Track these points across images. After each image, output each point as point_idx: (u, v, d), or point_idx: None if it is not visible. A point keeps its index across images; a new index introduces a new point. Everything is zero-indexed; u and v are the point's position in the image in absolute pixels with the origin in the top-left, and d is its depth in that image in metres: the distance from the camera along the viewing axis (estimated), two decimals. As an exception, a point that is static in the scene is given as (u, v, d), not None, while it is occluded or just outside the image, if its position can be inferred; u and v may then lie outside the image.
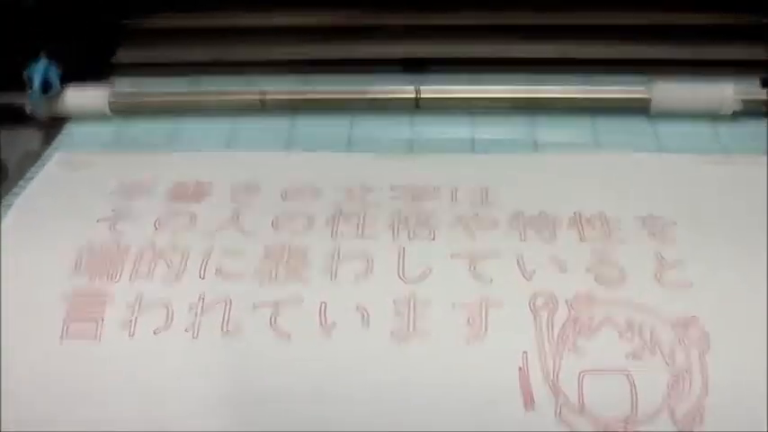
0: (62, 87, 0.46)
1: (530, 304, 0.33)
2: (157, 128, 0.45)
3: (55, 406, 0.32)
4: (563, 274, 0.34)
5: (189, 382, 0.32)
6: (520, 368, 0.31)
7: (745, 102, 0.43)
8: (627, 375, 0.31)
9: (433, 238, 0.36)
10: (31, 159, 0.44)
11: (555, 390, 0.31)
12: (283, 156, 0.43)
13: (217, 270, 0.35)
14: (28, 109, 0.45)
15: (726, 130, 0.43)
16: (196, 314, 0.33)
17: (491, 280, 0.34)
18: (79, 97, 0.46)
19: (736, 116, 0.43)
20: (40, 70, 0.44)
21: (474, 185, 0.39)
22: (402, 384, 0.32)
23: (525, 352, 0.32)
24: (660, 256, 0.34)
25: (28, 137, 0.47)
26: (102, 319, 0.34)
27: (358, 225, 0.36)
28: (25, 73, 0.44)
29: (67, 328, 0.33)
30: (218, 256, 0.35)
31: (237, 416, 0.32)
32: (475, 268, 0.34)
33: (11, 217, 0.38)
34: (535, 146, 0.43)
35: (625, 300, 0.33)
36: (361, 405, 0.31)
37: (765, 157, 0.41)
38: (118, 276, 0.35)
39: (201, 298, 0.34)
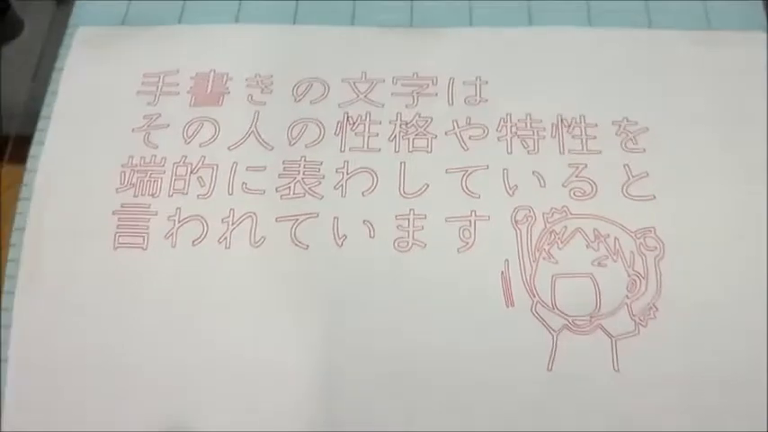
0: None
1: (511, 218, 0.38)
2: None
3: (111, 308, 0.38)
4: (542, 189, 0.39)
5: (222, 287, 0.38)
6: (502, 273, 0.37)
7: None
8: (592, 279, 0.37)
9: (430, 151, 0.40)
10: (46, 17, 0.47)
11: (531, 291, 0.37)
12: (290, 31, 0.45)
13: (242, 185, 0.40)
14: None
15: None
16: (227, 227, 0.39)
17: (479, 196, 0.39)
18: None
19: None
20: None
21: (469, 76, 0.43)
22: (404, 288, 0.37)
23: (507, 259, 0.38)
24: (629, 168, 0.39)
25: (40, 6, 0.49)
26: (148, 231, 0.39)
27: (363, 136, 0.41)
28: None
29: (119, 238, 0.39)
30: (243, 172, 0.40)
31: (264, 315, 0.38)
32: (466, 183, 0.39)
33: (54, 125, 0.42)
34: (529, 15, 0.45)
35: (594, 213, 0.38)
36: (369, 307, 0.37)
37: (763, 35, 0.44)
38: (158, 191, 0.40)
39: (231, 211, 0.39)
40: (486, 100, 0.42)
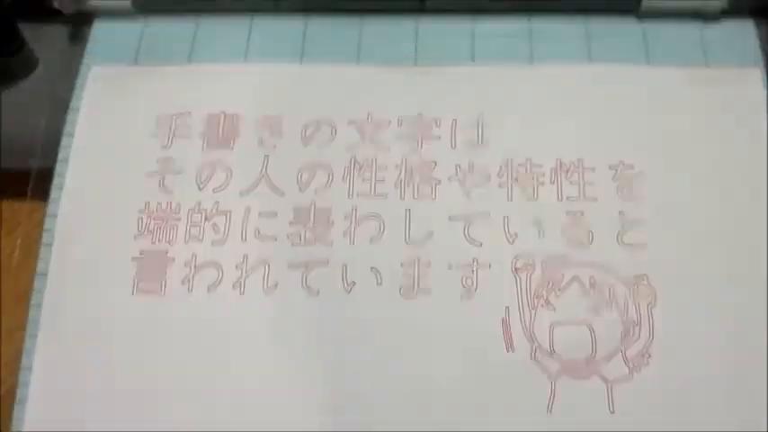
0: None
1: (512, 265, 0.40)
2: (178, 27, 0.48)
3: (130, 353, 0.40)
4: (541, 237, 0.41)
5: (237, 332, 0.40)
6: (503, 319, 0.39)
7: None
8: (588, 326, 0.39)
9: (434, 198, 0.42)
10: (61, 54, 0.48)
11: (530, 337, 0.39)
12: (298, 70, 0.47)
13: (255, 231, 0.42)
14: (55, 3, 0.47)
15: (712, 32, 0.46)
16: (241, 273, 0.41)
17: (481, 244, 0.41)
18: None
19: (723, 15, 0.46)
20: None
21: (472, 118, 0.44)
22: (409, 333, 0.39)
23: (507, 306, 0.39)
24: (623, 215, 0.41)
25: (55, 32, 0.49)
26: (166, 278, 0.41)
27: (370, 182, 0.43)
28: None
29: (137, 284, 0.41)
30: (255, 218, 0.42)
31: (276, 359, 0.39)
32: (468, 231, 0.41)
33: (72, 170, 0.44)
34: (531, 50, 0.47)
35: (590, 261, 0.40)
36: (376, 352, 0.39)
37: (758, 71, 0.45)
38: (174, 238, 0.42)
39: (245, 257, 0.41)
40: (488, 143, 0.43)
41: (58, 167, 0.43)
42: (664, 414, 0.38)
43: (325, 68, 0.46)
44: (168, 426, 0.39)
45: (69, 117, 0.45)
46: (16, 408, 0.39)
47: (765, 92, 0.44)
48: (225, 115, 0.45)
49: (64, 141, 0.44)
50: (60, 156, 0.44)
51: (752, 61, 0.45)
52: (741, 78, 0.45)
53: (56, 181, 0.43)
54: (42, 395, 0.39)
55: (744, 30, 0.46)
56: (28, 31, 0.48)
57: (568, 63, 0.46)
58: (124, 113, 0.46)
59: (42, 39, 0.49)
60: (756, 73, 0.45)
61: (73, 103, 0.45)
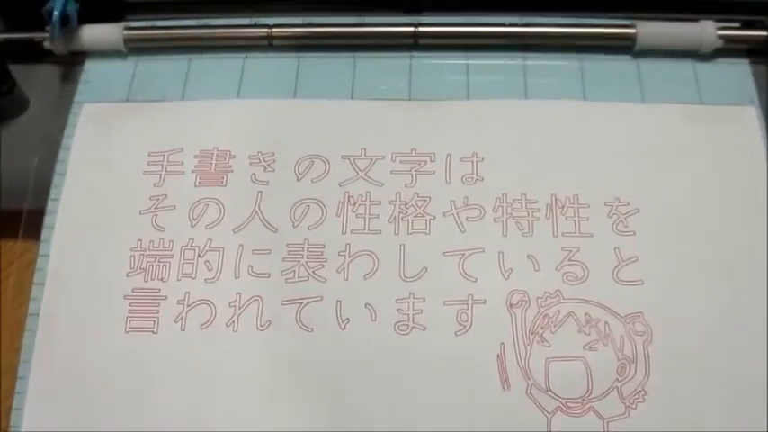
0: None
1: (506, 301, 0.40)
2: (171, 65, 0.49)
3: (123, 392, 0.39)
4: (536, 273, 0.41)
5: (230, 370, 0.40)
6: (498, 356, 0.39)
7: (726, 40, 0.46)
8: (584, 362, 0.39)
9: (429, 233, 0.42)
10: (52, 94, 0.48)
11: (526, 373, 0.39)
12: (291, 106, 0.47)
13: (249, 268, 0.41)
14: (47, 44, 0.48)
15: (707, 71, 0.47)
16: (235, 311, 0.40)
17: (476, 279, 0.41)
18: (96, 32, 0.48)
19: (717, 55, 0.47)
20: (59, 4, 0.46)
21: (466, 153, 0.44)
22: (404, 370, 0.39)
23: (502, 343, 0.39)
24: (619, 252, 0.41)
25: (46, 72, 0.50)
26: (158, 316, 0.41)
27: (364, 218, 0.42)
28: (46, 6, 0.46)
29: (130, 322, 0.41)
30: (248, 255, 0.42)
31: (271, 396, 0.39)
32: (463, 267, 0.41)
33: (63, 208, 0.43)
34: (525, 86, 0.47)
35: (585, 298, 0.40)
36: (371, 388, 0.39)
37: (752, 109, 0.45)
38: (167, 276, 0.41)
39: (238, 295, 0.41)
40: (483, 178, 0.43)
41: (50, 206, 0.43)
42: (660, 451, 0.38)
43: (319, 104, 0.46)
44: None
45: (61, 156, 0.45)
46: (9, 452, 0.39)
47: (761, 130, 0.44)
48: (217, 151, 0.45)
49: (55, 180, 0.44)
50: (52, 195, 0.44)
51: (747, 100, 0.45)
52: (737, 116, 0.45)
53: (47, 220, 0.43)
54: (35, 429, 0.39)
55: (738, 69, 0.47)
56: (18, 71, 0.48)
57: (563, 99, 0.46)
58: (116, 151, 0.46)
59: (33, 79, 0.49)
60: (752, 111, 0.45)
61: (64, 142, 0.46)
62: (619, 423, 0.38)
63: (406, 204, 0.43)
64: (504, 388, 0.39)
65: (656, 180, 0.43)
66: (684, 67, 0.47)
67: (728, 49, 0.46)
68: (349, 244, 0.42)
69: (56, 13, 0.46)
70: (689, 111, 0.45)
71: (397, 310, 0.40)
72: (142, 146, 0.45)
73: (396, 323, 0.40)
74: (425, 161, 0.44)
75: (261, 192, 0.43)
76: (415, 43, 0.48)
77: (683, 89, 0.46)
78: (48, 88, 0.49)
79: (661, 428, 0.38)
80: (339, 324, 0.40)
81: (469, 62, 0.48)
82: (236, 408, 0.39)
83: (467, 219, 0.42)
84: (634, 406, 0.38)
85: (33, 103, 0.49)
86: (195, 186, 0.44)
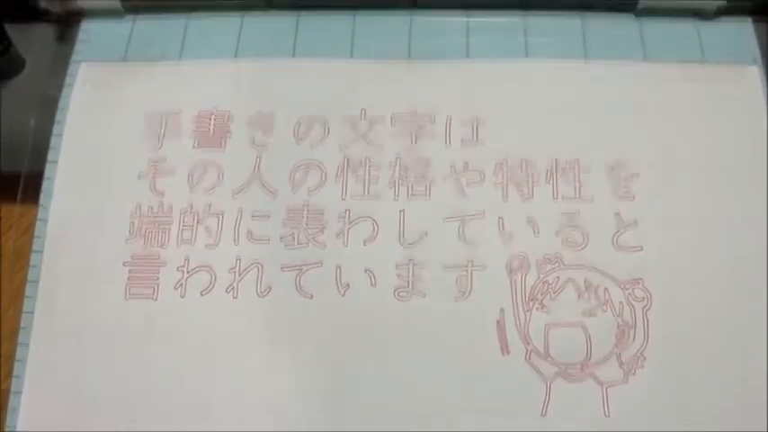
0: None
1: (506, 267, 0.40)
2: (168, 25, 0.48)
3: (123, 358, 0.40)
4: (536, 238, 0.40)
5: (230, 336, 0.40)
6: (498, 321, 0.39)
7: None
8: (583, 328, 0.39)
9: (429, 197, 0.42)
10: (49, 54, 0.48)
11: (525, 339, 0.39)
12: (289, 65, 0.46)
13: (248, 233, 0.41)
14: (43, 3, 0.47)
15: (710, 30, 0.46)
16: (234, 277, 0.40)
17: (476, 245, 0.40)
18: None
19: (720, 14, 0.46)
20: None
21: (466, 115, 0.44)
22: (404, 336, 0.39)
23: (502, 308, 0.39)
24: (619, 217, 0.41)
25: (42, 32, 0.49)
26: (158, 282, 0.41)
27: (364, 182, 0.42)
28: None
29: (130, 289, 0.41)
30: (248, 220, 0.41)
31: (271, 362, 0.39)
32: (463, 232, 0.41)
33: (61, 172, 0.43)
34: (526, 45, 0.46)
35: (585, 263, 0.40)
36: (370, 354, 0.39)
37: (755, 68, 0.44)
38: (166, 242, 0.41)
39: (238, 261, 0.41)
40: (483, 141, 0.43)
41: (48, 170, 0.43)
42: (659, 417, 0.38)
43: (318, 64, 0.46)
44: (159, 423, 0.39)
45: (58, 117, 0.45)
46: (9, 415, 0.39)
47: (764, 90, 0.43)
48: (216, 113, 0.44)
49: (53, 143, 0.44)
50: (49, 158, 0.44)
51: (750, 59, 0.45)
52: (739, 76, 0.44)
53: (45, 185, 0.43)
54: (35, 402, 0.39)
55: (741, 28, 0.46)
56: (14, 31, 0.47)
57: (564, 59, 0.45)
58: (113, 112, 0.45)
59: (29, 39, 0.48)
60: (754, 70, 0.44)
61: (62, 103, 0.45)
62: (617, 388, 0.38)
63: (406, 168, 0.42)
64: (503, 353, 0.39)
65: (657, 142, 0.43)
66: (687, 27, 0.46)
67: (731, 8, 0.45)
68: (348, 209, 0.42)
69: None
70: (691, 70, 0.44)
71: (397, 275, 0.40)
72: (140, 107, 0.45)
73: (395, 289, 0.40)
74: (425, 123, 0.44)
75: (260, 155, 0.43)
76: (414, 2, 0.47)
77: (685, 48, 0.45)
78: (44, 48, 0.48)
79: (660, 394, 0.38)
80: (339, 290, 0.40)
81: (470, 20, 0.47)
82: (237, 373, 0.39)
83: (467, 183, 0.42)
84: (633, 371, 0.38)
85: (30, 63, 0.48)
86: (194, 149, 0.44)
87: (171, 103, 0.45)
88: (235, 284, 0.40)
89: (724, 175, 0.42)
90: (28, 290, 0.41)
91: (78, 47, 0.47)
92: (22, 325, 0.40)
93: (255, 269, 0.41)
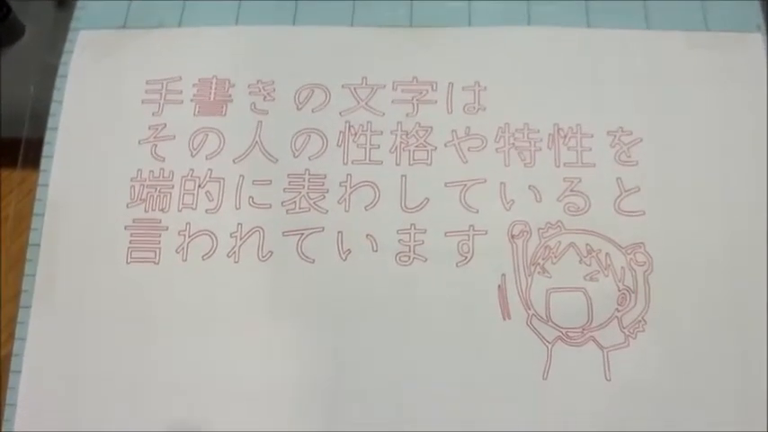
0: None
1: (508, 232, 0.40)
2: None
3: (125, 322, 0.40)
4: (538, 204, 0.41)
5: (232, 301, 0.40)
6: (499, 286, 0.39)
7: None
8: (584, 293, 0.39)
9: (430, 163, 0.42)
10: (48, 21, 0.47)
11: (526, 304, 0.39)
12: (290, 32, 0.46)
13: (249, 199, 0.41)
14: None
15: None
16: (236, 241, 0.40)
17: (477, 210, 0.40)
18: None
19: None
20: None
21: (468, 82, 0.44)
22: (405, 300, 0.39)
23: (503, 274, 0.39)
24: (621, 182, 0.41)
25: (40, 9, 0.49)
26: (160, 246, 0.41)
27: (365, 148, 0.42)
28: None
29: (131, 253, 0.41)
30: (249, 186, 0.41)
31: (272, 327, 0.39)
32: (465, 198, 0.41)
33: (62, 137, 0.43)
34: (528, 12, 0.46)
35: (587, 228, 0.40)
36: (372, 319, 0.39)
37: (759, 35, 0.44)
38: (168, 207, 0.41)
39: (239, 226, 0.41)
40: (485, 108, 0.43)
41: (48, 136, 0.43)
42: (660, 381, 0.38)
43: (319, 31, 0.45)
44: (164, 393, 0.39)
45: (58, 84, 0.44)
46: (11, 377, 0.39)
47: (765, 57, 0.43)
48: (216, 80, 0.44)
49: (53, 109, 0.44)
50: (50, 124, 0.43)
51: (753, 26, 0.44)
52: (743, 43, 0.44)
53: (45, 150, 0.43)
54: (37, 366, 0.39)
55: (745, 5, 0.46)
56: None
57: (567, 26, 0.45)
58: (113, 79, 0.45)
59: (29, 6, 0.48)
60: (758, 38, 0.44)
61: (61, 70, 0.45)
62: (618, 352, 0.38)
63: (408, 134, 0.42)
64: (504, 318, 0.39)
65: (659, 109, 0.43)
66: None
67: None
68: (350, 174, 0.42)
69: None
70: (694, 37, 0.44)
71: (399, 240, 0.40)
72: (140, 74, 0.45)
73: (397, 254, 0.40)
74: (427, 90, 0.44)
75: (261, 121, 0.43)
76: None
77: (688, 15, 0.45)
78: (44, 15, 0.48)
79: (660, 358, 0.38)
80: (340, 255, 0.40)
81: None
82: (238, 338, 0.39)
83: (468, 149, 0.42)
84: (634, 336, 0.38)
85: (29, 30, 0.48)
86: (194, 115, 0.43)
87: (171, 70, 0.45)
88: (236, 249, 0.40)
89: (726, 143, 0.42)
90: (29, 253, 0.41)
91: (77, 14, 0.47)
92: (23, 288, 0.40)
93: (257, 234, 0.41)
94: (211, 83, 0.44)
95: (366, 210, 0.41)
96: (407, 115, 0.43)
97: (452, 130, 0.42)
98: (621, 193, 0.41)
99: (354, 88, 0.44)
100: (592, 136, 0.42)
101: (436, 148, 0.42)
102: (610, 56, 0.44)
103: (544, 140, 0.42)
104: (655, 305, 0.39)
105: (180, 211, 0.41)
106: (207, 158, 0.42)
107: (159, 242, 0.41)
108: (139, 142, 0.43)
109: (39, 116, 0.44)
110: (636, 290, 0.39)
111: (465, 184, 0.41)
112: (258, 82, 0.44)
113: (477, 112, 0.43)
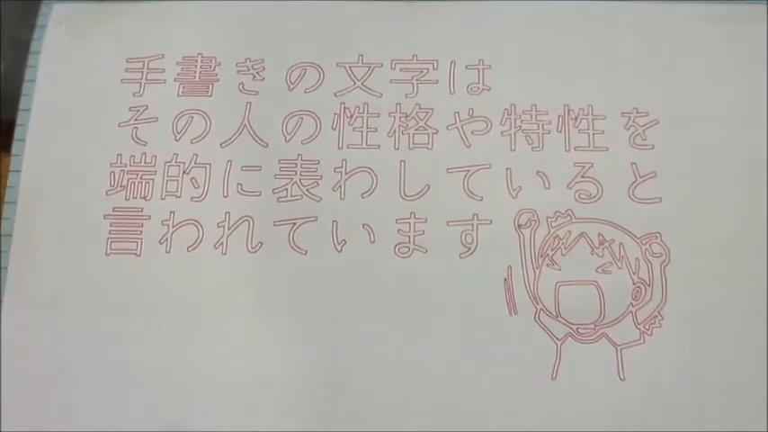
0: None
1: (514, 222, 0.38)
2: None
3: (103, 317, 0.38)
4: (546, 191, 0.38)
5: (219, 294, 0.38)
6: (505, 279, 0.37)
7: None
8: (596, 286, 0.37)
9: (431, 148, 0.39)
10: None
11: (534, 298, 0.37)
12: (281, 6, 0.43)
13: (238, 186, 0.39)
14: None
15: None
16: (223, 231, 0.38)
17: (481, 198, 0.38)
18: None
19: None
20: None
21: (472, 60, 0.41)
22: (405, 294, 0.37)
23: (510, 266, 0.37)
24: (636, 167, 0.38)
25: None
26: (141, 237, 0.38)
27: (362, 132, 0.40)
28: None
29: (111, 244, 0.38)
30: (237, 172, 0.39)
31: (261, 323, 0.37)
32: (468, 185, 0.38)
33: (35, 120, 0.41)
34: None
35: (599, 217, 0.38)
36: (369, 313, 0.37)
37: (763, 5, 0.42)
38: (150, 194, 0.39)
39: (227, 215, 0.38)
40: (489, 88, 0.41)
41: (20, 118, 0.41)
42: (677, 380, 0.36)
43: (312, 5, 0.43)
44: (143, 389, 0.37)
45: (30, 61, 0.42)
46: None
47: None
48: (201, 58, 0.42)
49: (25, 89, 0.41)
50: (22, 105, 0.41)
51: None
52: (752, 14, 0.42)
53: (18, 132, 0.40)
54: (10, 361, 0.37)
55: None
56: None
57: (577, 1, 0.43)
58: (91, 56, 0.42)
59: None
60: (762, 8, 0.42)
61: (34, 46, 0.42)
62: (633, 350, 0.36)
63: (407, 116, 0.40)
64: (510, 314, 0.37)
65: (677, 88, 0.40)
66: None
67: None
68: (345, 160, 0.39)
69: None
70: (705, 9, 0.42)
71: (398, 230, 0.38)
72: (119, 51, 0.42)
73: (396, 245, 0.38)
74: (428, 69, 0.41)
75: (250, 102, 0.41)
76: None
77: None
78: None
79: (678, 355, 0.36)
80: (335, 246, 0.38)
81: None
82: (225, 334, 0.37)
83: (472, 132, 0.40)
84: (649, 332, 0.36)
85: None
86: (178, 96, 0.41)
87: (152, 47, 0.42)
88: (224, 239, 0.38)
89: (746, 122, 0.40)
90: (3, 244, 0.39)
91: (51, -19, 0.44)
92: (-6, 281, 0.38)
93: (246, 223, 0.38)
94: (196, 61, 0.42)
95: (363, 197, 0.39)
96: (407, 96, 0.41)
97: (455, 112, 0.40)
98: (636, 179, 0.38)
99: (350, 67, 0.41)
100: (604, 117, 0.40)
101: (437, 131, 0.40)
102: (624, 31, 0.42)
103: (553, 123, 0.40)
104: (672, 299, 0.37)
105: (163, 198, 0.39)
106: (192, 142, 0.40)
107: (141, 232, 0.39)
108: (119, 125, 0.41)
109: (10, 96, 0.42)
110: (651, 283, 0.37)
111: (468, 170, 0.39)
112: (247, 60, 0.42)
113: (481, 92, 0.41)
